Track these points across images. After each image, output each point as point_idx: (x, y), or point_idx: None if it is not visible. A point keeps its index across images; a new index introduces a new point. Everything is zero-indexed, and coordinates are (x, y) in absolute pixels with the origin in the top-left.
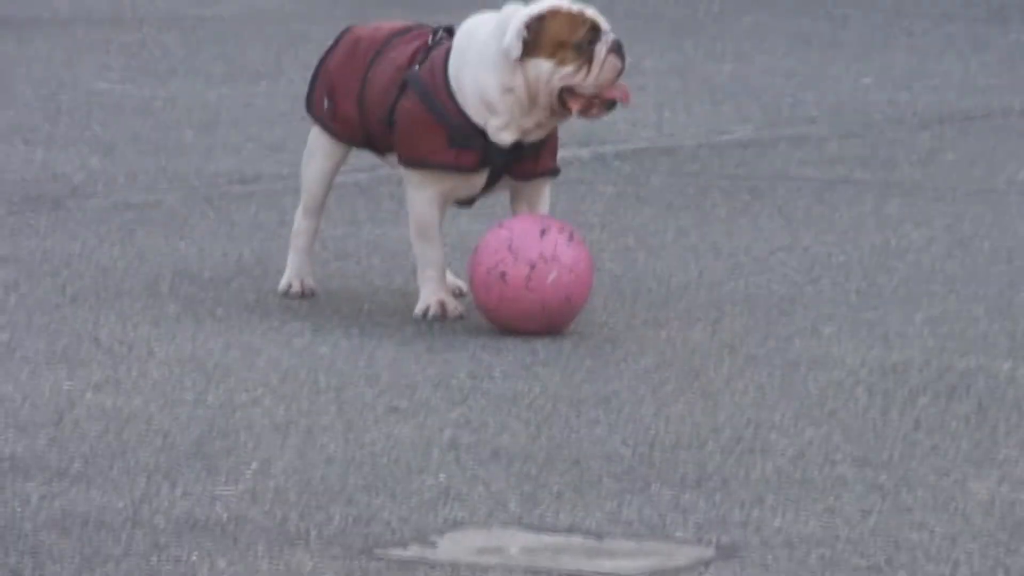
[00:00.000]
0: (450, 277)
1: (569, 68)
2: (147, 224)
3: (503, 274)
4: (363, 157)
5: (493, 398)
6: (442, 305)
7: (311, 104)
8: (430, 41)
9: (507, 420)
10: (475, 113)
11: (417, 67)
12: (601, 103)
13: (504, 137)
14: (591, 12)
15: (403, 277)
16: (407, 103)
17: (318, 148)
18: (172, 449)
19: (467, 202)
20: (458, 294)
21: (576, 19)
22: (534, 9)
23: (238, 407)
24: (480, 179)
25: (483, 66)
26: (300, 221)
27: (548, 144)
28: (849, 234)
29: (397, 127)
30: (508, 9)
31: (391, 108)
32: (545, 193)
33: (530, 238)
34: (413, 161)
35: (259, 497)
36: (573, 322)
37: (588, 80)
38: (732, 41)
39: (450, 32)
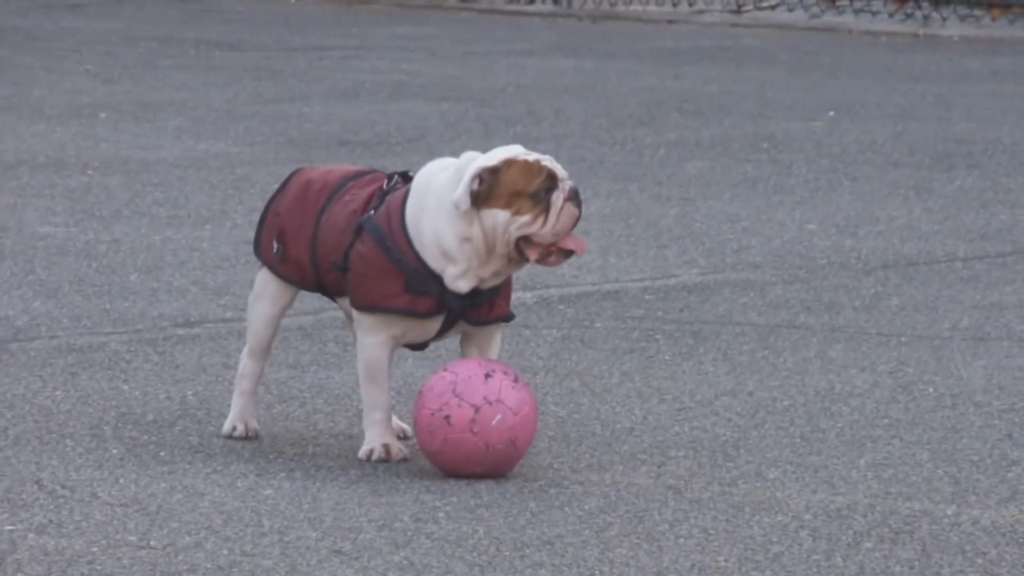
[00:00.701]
0: (395, 420)
1: (526, 218)
2: (90, 367)
3: (447, 417)
4: (308, 300)
5: (437, 541)
6: (387, 448)
7: (259, 247)
8: (385, 186)
9: (451, 563)
10: (432, 260)
11: (372, 212)
12: (559, 252)
13: (461, 285)
14: (547, 161)
15: (347, 420)
16: (363, 248)
17: (265, 291)
18: None
19: (419, 346)
20: (403, 437)
21: (532, 168)
22: (489, 159)
23: (181, 549)
24: (435, 324)
25: (441, 215)
26: (245, 363)
27: (503, 290)
28: (793, 378)
29: (352, 271)
30: (466, 156)
31: (345, 252)
32: (497, 338)
33: (475, 381)
34: (367, 306)
35: None
36: (517, 465)
37: (545, 229)
38: (677, 186)
39: (405, 177)
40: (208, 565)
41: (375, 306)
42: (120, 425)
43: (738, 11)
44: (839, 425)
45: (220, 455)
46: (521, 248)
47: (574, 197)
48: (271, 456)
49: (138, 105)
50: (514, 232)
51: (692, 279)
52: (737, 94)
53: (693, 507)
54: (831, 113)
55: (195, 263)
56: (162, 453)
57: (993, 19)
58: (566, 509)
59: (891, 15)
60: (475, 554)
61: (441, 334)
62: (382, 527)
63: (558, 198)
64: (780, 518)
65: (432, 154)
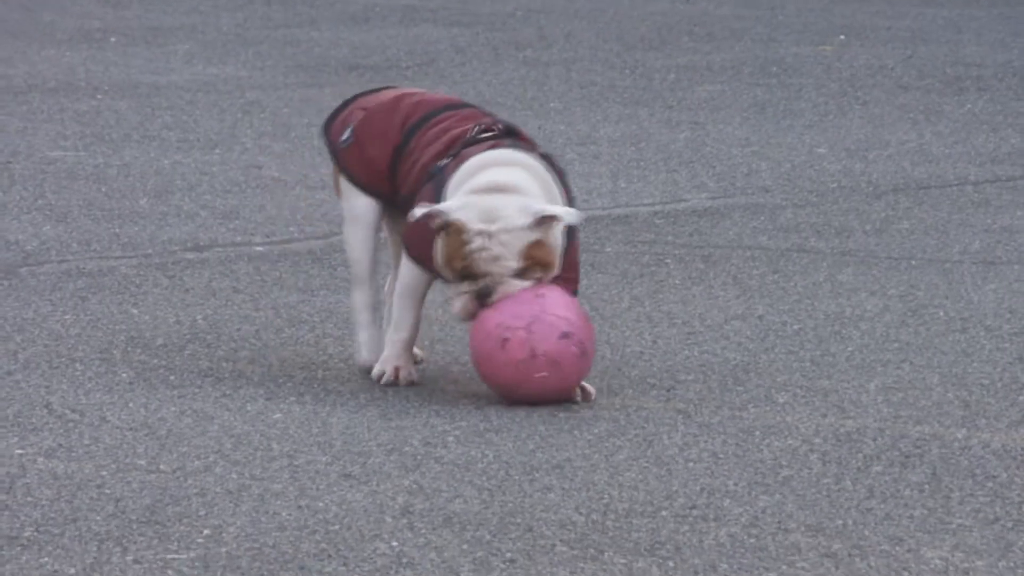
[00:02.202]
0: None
1: (446, 271)
2: (100, 291)
3: (506, 340)
4: (316, 224)
5: (446, 465)
6: (397, 371)
7: (328, 128)
8: (470, 133)
9: (460, 487)
10: None
11: (446, 163)
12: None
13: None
14: (482, 256)
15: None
16: (425, 199)
17: (352, 213)
18: (124, 515)
19: None
20: (418, 361)
21: (460, 250)
22: (451, 214)
23: (190, 473)
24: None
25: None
26: (354, 294)
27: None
28: (803, 302)
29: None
30: (482, 182)
31: (416, 190)
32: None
33: (550, 331)
34: (413, 255)
35: (211, 564)
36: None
37: (447, 290)
38: (687, 110)
39: (491, 130)
40: (217, 489)
41: (419, 262)
42: (129, 349)
43: None
44: (849, 349)
45: (229, 379)
46: None
47: (478, 300)
48: (281, 380)
49: (148, 29)
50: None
51: (702, 203)
52: (748, 18)
53: (703, 431)
54: (841, 37)
55: (205, 187)
56: (171, 377)
57: None
58: (575, 433)
59: None
60: (484, 478)
61: None
62: (391, 451)
63: (465, 285)
64: (790, 442)
65: (442, 79)
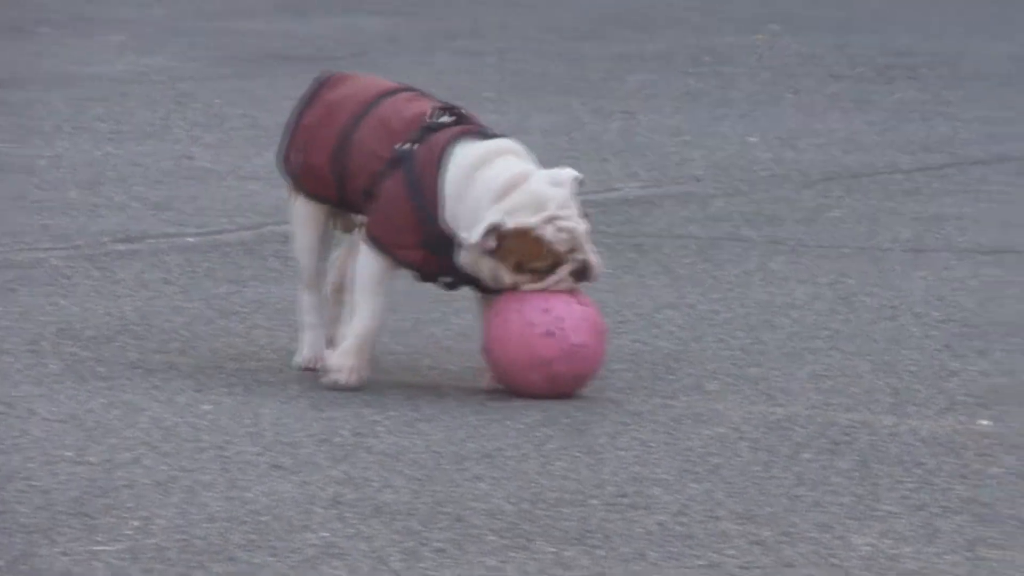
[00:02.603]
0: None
1: (524, 277)
2: (30, 283)
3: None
4: (247, 215)
5: (376, 454)
6: (348, 371)
7: (281, 158)
8: (428, 117)
9: (390, 477)
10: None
11: (413, 147)
12: None
13: (466, 267)
14: (560, 238)
15: (287, 335)
16: (395, 188)
17: (298, 217)
18: (52, 507)
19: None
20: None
21: (540, 247)
22: (507, 219)
23: (119, 465)
24: (445, 279)
25: (470, 212)
26: (301, 296)
27: None
28: (734, 291)
29: (377, 202)
30: (505, 176)
31: (375, 179)
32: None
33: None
34: (380, 244)
35: (139, 555)
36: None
37: (538, 286)
38: (619, 100)
39: (452, 112)
40: (146, 480)
41: (387, 248)
42: (59, 341)
43: None
44: (779, 337)
45: (159, 371)
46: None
47: (579, 273)
48: (211, 371)
49: (80, 20)
50: (519, 287)
51: (634, 192)
52: (681, 7)
53: (633, 419)
54: (774, 26)
55: (137, 178)
56: (101, 369)
57: None
58: (506, 423)
59: None
60: (414, 468)
61: (451, 287)
62: (322, 442)
63: (560, 272)
64: (720, 430)
65: (375, 69)
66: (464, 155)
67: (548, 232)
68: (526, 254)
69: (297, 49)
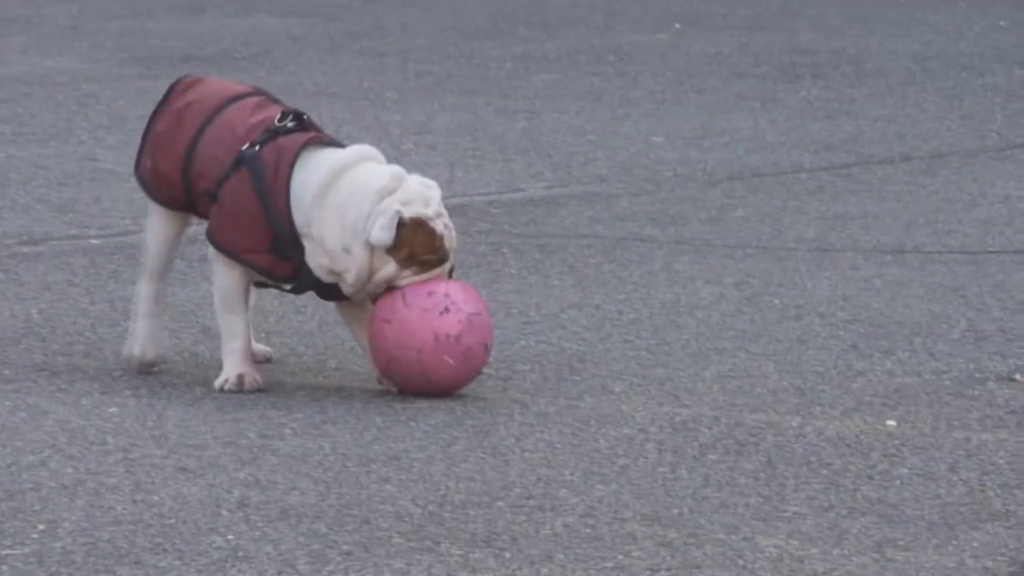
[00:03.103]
0: (258, 345)
1: (407, 273)
2: None
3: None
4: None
5: (283, 457)
6: (240, 378)
7: (137, 164)
8: (277, 121)
9: (296, 479)
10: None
11: (257, 147)
12: None
13: (321, 274)
14: (449, 235)
15: (192, 337)
16: (238, 188)
17: (157, 208)
18: None
19: (264, 286)
20: (265, 360)
21: (434, 241)
22: (405, 209)
23: (24, 468)
24: (287, 284)
25: (337, 215)
26: (140, 286)
27: None
28: (639, 291)
29: (220, 205)
30: (390, 174)
31: (219, 182)
32: (367, 305)
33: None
34: (225, 249)
35: (45, 559)
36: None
37: (420, 278)
38: (523, 99)
39: (299, 120)
40: (52, 483)
41: (234, 253)
42: None
43: None
44: (685, 337)
45: (65, 373)
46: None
47: (449, 274)
48: (116, 374)
49: None
50: (395, 282)
51: (538, 192)
52: (584, 7)
53: (539, 421)
54: (677, 25)
55: (40, 180)
56: (6, 371)
57: None
58: (412, 424)
59: None
60: (321, 470)
61: (295, 291)
62: (228, 444)
63: (445, 266)
64: (626, 431)
65: (277, 69)
66: (324, 159)
67: (439, 226)
68: (420, 246)
69: (200, 49)
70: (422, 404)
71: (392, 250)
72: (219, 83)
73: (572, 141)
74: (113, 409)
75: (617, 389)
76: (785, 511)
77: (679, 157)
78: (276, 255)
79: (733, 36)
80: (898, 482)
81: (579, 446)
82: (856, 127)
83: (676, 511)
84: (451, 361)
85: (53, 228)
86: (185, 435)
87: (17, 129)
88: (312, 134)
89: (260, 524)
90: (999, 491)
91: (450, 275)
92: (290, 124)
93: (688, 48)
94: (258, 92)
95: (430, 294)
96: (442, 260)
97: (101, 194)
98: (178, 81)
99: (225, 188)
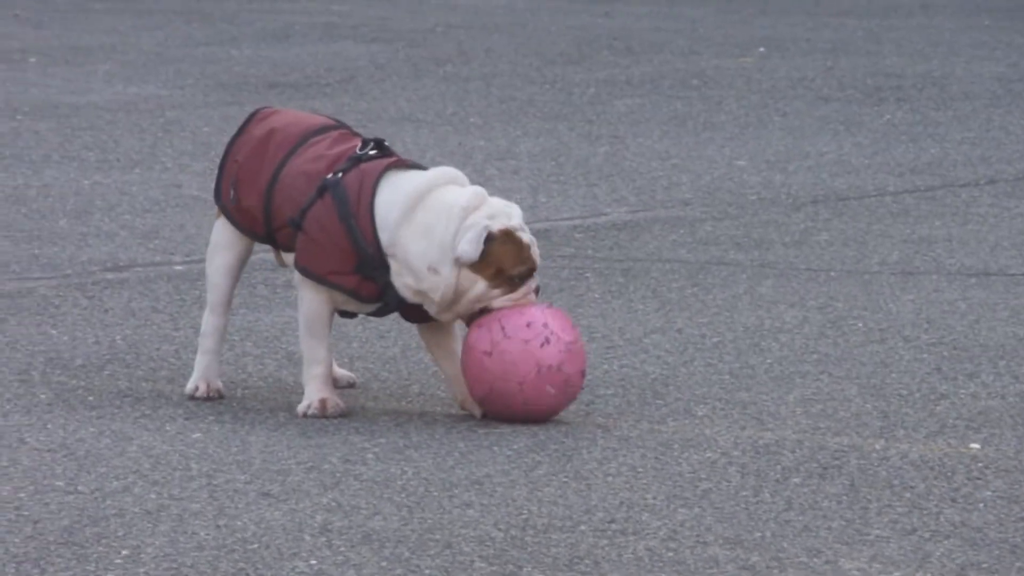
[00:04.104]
0: (341, 371)
1: (497, 292)
2: (19, 312)
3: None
4: None
5: (365, 482)
6: (323, 403)
7: (218, 194)
8: (359, 150)
9: (379, 503)
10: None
11: (340, 175)
12: None
13: (407, 294)
14: (535, 248)
15: (276, 363)
16: (323, 213)
17: (221, 240)
18: (42, 537)
19: (351, 314)
20: (349, 385)
21: (522, 252)
22: (493, 223)
23: (109, 494)
24: (373, 306)
25: (423, 236)
26: (207, 319)
27: None
28: (722, 315)
29: (305, 232)
30: (474, 195)
31: (303, 210)
32: (453, 329)
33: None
34: (312, 273)
35: None
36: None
37: (511, 297)
38: (607, 124)
39: (380, 146)
40: (136, 509)
41: (320, 277)
42: (48, 370)
43: None
44: (768, 361)
45: (149, 399)
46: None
47: (536, 292)
48: (199, 399)
49: (68, 49)
50: (484, 302)
51: (622, 217)
52: (668, 31)
53: (622, 445)
54: (761, 49)
55: (124, 207)
56: (90, 398)
57: None
58: (495, 449)
59: None
60: (404, 495)
61: (380, 313)
62: (311, 469)
63: (530, 286)
64: (709, 455)
65: (362, 95)
66: (408, 180)
67: (526, 236)
68: (509, 258)
69: (284, 76)
70: (505, 429)
71: (480, 266)
72: (299, 114)
73: (656, 165)
74: (197, 435)
75: (700, 413)
76: (868, 534)
77: (763, 181)
78: (362, 276)
79: (817, 60)
80: (982, 505)
81: (661, 470)
82: (941, 150)
83: (759, 535)
84: (552, 391)
85: (137, 255)
86: (268, 460)
87: (102, 156)
88: (394, 158)
89: (343, 549)
90: None
91: (536, 293)
92: (372, 152)
93: (772, 72)
94: (340, 125)
95: (529, 324)
96: (531, 271)
97: (185, 221)
98: (256, 112)
99: (309, 215)
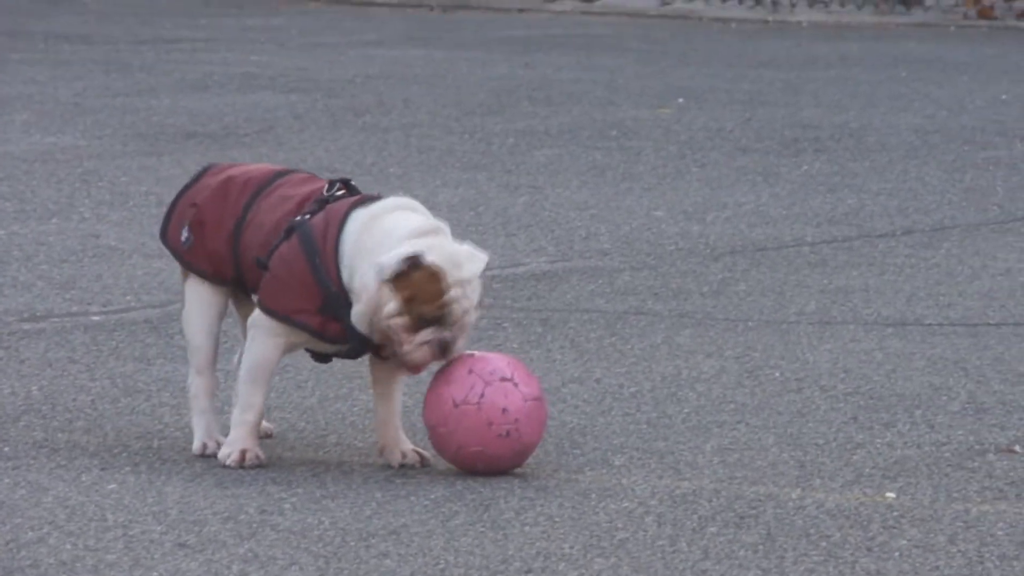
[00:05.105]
0: (264, 423)
1: (401, 321)
2: None
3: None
4: (154, 293)
5: (282, 532)
6: (243, 454)
7: (165, 234)
8: (326, 191)
9: (296, 554)
10: (350, 289)
11: (308, 216)
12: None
13: (359, 325)
14: (459, 306)
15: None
16: (288, 253)
17: (196, 299)
18: None
19: (323, 358)
20: (264, 436)
21: (440, 298)
22: (428, 251)
23: (23, 545)
24: (336, 347)
25: (368, 257)
26: (194, 382)
27: None
28: (640, 364)
29: (271, 272)
30: (420, 222)
31: (271, 251)
32: (398, 379)
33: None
34: (276, 312)
35: None
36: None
37: (403, 348)
38: (526, 174)
39: (347, 186)
40: (51, 560)
41: (285, 316)
42: None
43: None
44: (685, 411)
45: (64, 450)
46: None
47: (441, 348)
48: (116, 450)
49: None
50: (385, 323)
51: (541, 267)
52: (587, 82)
53: (539, 494)
54: (680, 100)
55: (41, 257)
56: (6, 449)
57: (842, 5)
58: (412, 498)
59: (741, 1)
60: (320, 545)
61: (346, 356)
62: (227, 519)
63: (430, 335)
64: (626, 504)
65: (280, 145)
66: (363, 213)
67: (454, 292)
68: (424, 295)
69: (203, 126)
70: (422, 478)
71: (398, 286)
72: (254, 164)
73: (574, 216)
74: (113, 486)
75: (617, 462)
76: None
77: (681, 231)
78: (325, 316)
79: (735, 111)
80: (897, 554)
81: (579, 519)
82: (858, 200)
83: None
84: (478, 464)
85: (54, 305)
86: (184, 511)
87: (19, 206)
88: (360, 196)
89: None
90: (998, 562)
91: (444, 351)
92: (338, 192)
93: (690, 123)
94: (298, 170)
95: (504, 411)
96: (440, 323)
97: (103, 271)
98: (207, 167)
99: (276, 255)
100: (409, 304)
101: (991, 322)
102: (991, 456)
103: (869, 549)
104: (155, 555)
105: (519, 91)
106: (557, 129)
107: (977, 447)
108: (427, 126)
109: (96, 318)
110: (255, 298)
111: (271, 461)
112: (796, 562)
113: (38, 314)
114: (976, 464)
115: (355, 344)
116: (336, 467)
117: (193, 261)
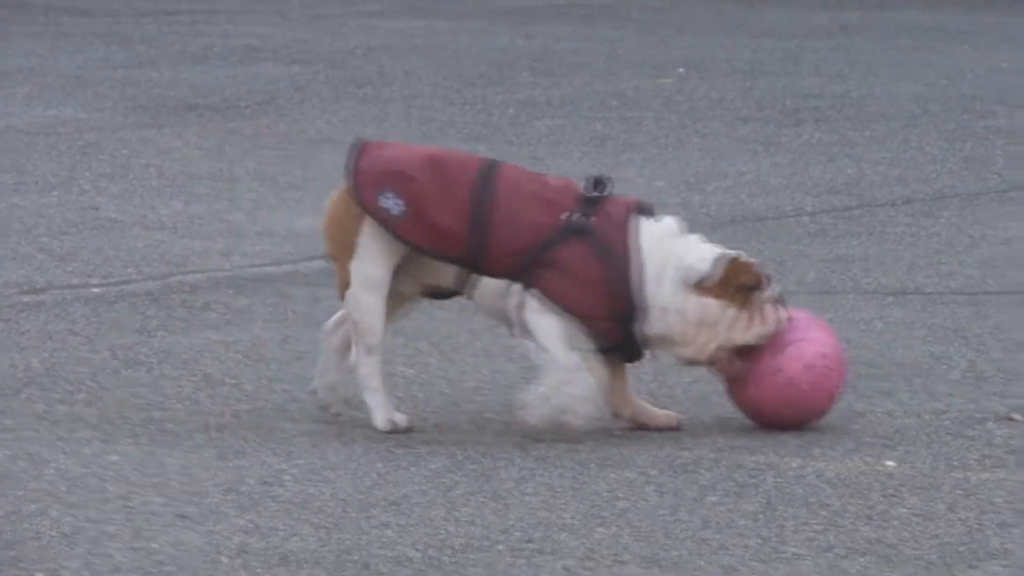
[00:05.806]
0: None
1: (731, 311)
2: None
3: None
4: (155, 265)
5: (283, 503)
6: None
7: (364, 199)
8: (583, 188)
9: (297, 525)
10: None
11: (589, 218)
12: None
13: (656, 332)
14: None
15: (193, 384)
16: (581, 253)
17: (369, 279)
18: None
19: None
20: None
21: (749, 266)
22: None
23: (24, 517)
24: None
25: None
26: (366, 362)
27: None
28: None
29: (559, 270)
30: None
31: (544, 246)
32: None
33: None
34: (564, 307)
35: None
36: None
37: (751, 332)
38: (527, 145)
39: (598, 184)
40: (52, 532)
41: (573, 311)
42: None
43: None
44: (686, 380)
45: (65, 422)
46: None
47: (782, 302)
48: (117, 422)
49: None
50: (720, 326)
51: None
52: (587, 52)
53: (539, 464)
54: (680, 70)
55: (41, 229)
56: (6, 421)
57: None
58: (412, 469)
59: None
60: (321, 516)
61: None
62: (228, 491)
63: (772, 288)
64: (626, 473)
65: (282, 117)
66: (658, 230)
67: (769, 291)
68: (741, 273)
69: (204, 98)
70: (423, 449)
71: (718, 291)
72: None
73: None
74: (113, 457)
75: (618, 432)
76: (784, 552)
77: (682, 201)
78: (614, 323)
79: (736, 81)
80: (897, 522)
81: (579, 489)
82: (858, 170)
83: (675, 553)
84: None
85: (54, 277)
86: (185, 482)
87: (19, 179)
88: (630, 199)
89: (260, 570)
90: (997, 530)
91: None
92: (602, 190)
93: (691, 93)
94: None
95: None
96: (763, 285)
97: (103, 243)
98: (364, 140)
99: (562, 256)
100: (740, 289)
101: (991, 290)
102: (991, 424)
103: (869, 517)
104: (155, 526)
105: (519, 62)
106: (558, 100)
107: (977, 415)
108: (428, 97)
109: (96, 290)
110: (481, 290)
111: (272, 433)
112: (796, 531)
113: (38, 286)
114: (976, 432)
115: (634, 347)
116: (336, 438)
117: (407, 233)
